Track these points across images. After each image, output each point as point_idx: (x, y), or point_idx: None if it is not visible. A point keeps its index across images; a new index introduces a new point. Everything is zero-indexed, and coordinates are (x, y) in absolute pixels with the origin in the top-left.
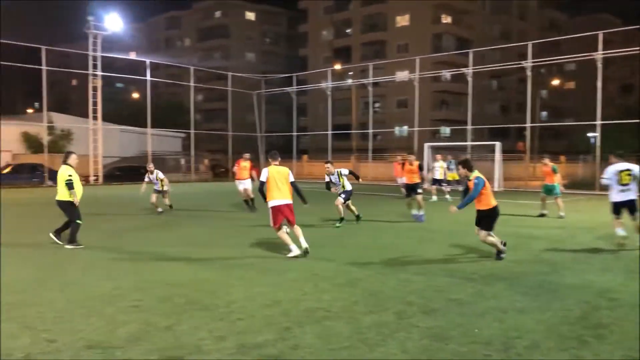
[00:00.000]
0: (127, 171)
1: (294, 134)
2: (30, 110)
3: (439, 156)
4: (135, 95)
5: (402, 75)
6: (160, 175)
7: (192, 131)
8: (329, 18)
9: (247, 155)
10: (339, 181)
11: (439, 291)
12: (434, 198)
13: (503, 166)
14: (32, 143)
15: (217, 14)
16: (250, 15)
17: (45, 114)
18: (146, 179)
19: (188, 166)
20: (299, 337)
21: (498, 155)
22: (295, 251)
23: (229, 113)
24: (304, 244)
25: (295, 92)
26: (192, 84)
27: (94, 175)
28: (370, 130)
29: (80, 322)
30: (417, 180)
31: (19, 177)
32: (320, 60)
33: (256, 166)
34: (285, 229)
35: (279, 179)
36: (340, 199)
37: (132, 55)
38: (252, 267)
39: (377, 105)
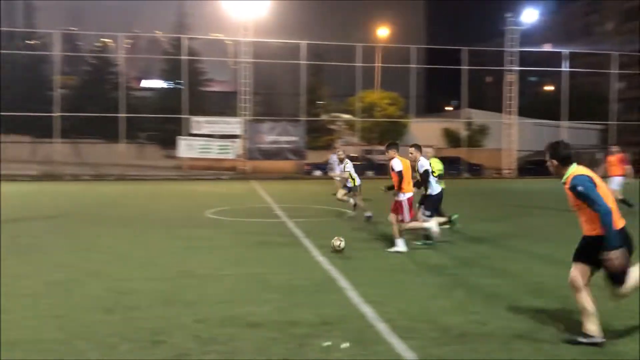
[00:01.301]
0: (540, 165)
1: None
2: (449, 108)
3: None
4: (550, 87)
5: None
6: (349, 166)
7: (612, 122)
8: None
9: (614, 148)
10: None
11: None
12: None
13: None
14: (452, 138)
15: None
16: None
17: (464, 110)
18: (337, 170)
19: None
20: None
21: None
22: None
23: None
24: (401, 248)
25: None
26: (614, 71)
27: (508, 169)
28: None
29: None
30: None
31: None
32: None
33: None
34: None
35: (409, 171)
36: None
37: (548, 47)
38: None
39: None
